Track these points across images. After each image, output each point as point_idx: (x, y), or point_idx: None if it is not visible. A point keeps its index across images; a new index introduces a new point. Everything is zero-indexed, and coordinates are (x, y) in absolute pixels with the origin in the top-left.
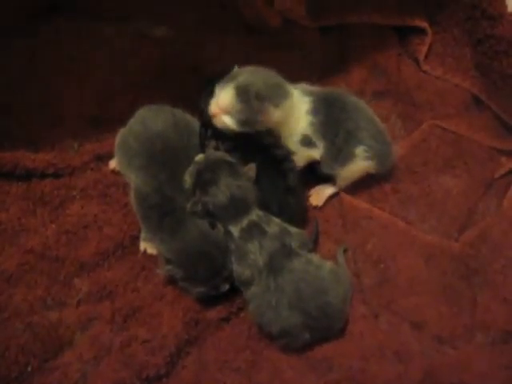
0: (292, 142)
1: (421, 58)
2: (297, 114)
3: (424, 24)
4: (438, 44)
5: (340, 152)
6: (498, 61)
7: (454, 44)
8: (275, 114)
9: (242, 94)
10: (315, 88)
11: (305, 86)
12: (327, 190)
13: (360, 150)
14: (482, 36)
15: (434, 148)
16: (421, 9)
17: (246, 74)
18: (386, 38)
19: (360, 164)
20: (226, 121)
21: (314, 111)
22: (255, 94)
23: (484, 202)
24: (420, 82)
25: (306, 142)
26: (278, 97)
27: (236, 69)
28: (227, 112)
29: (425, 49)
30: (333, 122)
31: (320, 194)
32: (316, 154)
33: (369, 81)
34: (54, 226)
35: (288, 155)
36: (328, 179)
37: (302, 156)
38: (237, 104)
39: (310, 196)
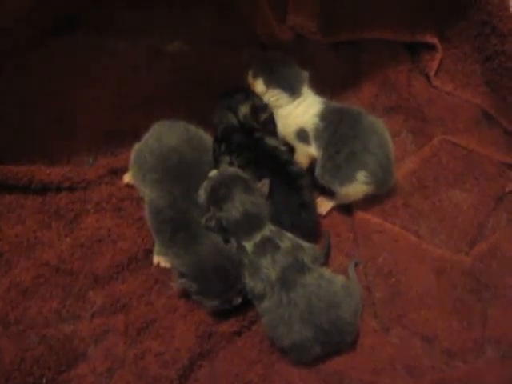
0: (289, 132)
1: (431, 73)
2: (300, 110)
3: (434, 40)
4: (449, 60)
5: (339, 170)
6: (507, 77)
7: (465, 60)
8: (259, 88)
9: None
10: (334, 102)
11: (325, 100)
12: (331, 201)
13: (361, 175)
14: (491, 52)
15: (444, 163)
16: (431, 25)
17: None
18: (397, 53)
19: (359, 187)
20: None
21: (322, 117)
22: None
23: (494, 216)
24: (431, 97)
25: (302, 135)
26: (269, 78)
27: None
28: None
29: (435, 65)
30: (338, 136)
31: (324, 204)
32: (313, 151)
33: (380, 96)
34: (68, 239)
35: (303, 172)
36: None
37: (302, 153)
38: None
39: None
